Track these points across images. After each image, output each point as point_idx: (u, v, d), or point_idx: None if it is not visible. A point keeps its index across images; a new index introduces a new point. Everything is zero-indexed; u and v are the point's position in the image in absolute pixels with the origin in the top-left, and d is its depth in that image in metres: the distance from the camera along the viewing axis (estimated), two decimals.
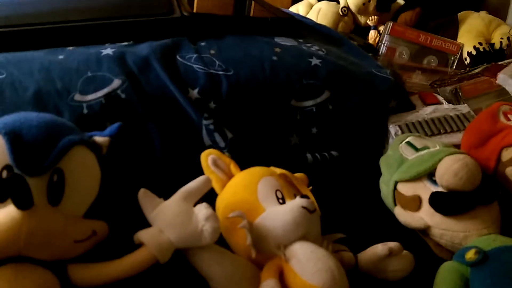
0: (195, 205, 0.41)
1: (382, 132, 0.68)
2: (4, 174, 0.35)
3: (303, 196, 0.45)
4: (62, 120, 0.44)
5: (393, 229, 0.53)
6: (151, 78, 0.59)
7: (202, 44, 0.66)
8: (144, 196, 0.41)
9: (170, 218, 0.39)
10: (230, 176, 0.51)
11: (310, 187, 0.53)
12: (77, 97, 0.56)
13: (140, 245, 0.39)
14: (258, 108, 0.63)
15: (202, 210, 0.39)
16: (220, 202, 0.48)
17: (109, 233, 0.40)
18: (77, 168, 0.39)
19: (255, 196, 0.46)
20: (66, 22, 0.64)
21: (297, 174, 0.54)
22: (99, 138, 0.44)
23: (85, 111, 0.55)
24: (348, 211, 0.57)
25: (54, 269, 0.36)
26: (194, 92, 0.60)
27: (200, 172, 0.51)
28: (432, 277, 0.45)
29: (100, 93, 0.56)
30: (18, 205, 0.33)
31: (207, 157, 0.51)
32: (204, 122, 0.59)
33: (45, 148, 0.37)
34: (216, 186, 0.50)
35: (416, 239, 0.52)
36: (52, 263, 0.36)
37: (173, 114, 0.59)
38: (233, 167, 0.52)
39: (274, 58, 0.65)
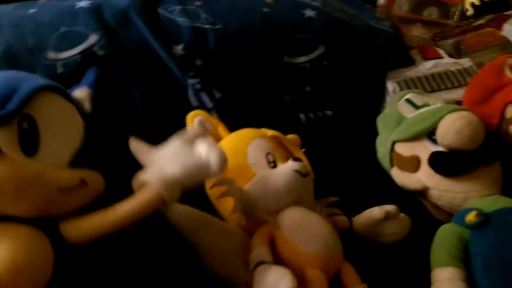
0: None
1: (379, 89, 0.64)
2: None
3: (296, 159, 0.43)
4: (29, 74, 0.39)
5: (389, 191, 0.52)
6: (131, 33, 0.54)
7: None
8: (137, 144, 0.37)
9: (170, 155, 0.34)
10: (218, 139, 0.48)
11: (303, 149, 0.50)
12: (51, 55, 0.51)
13: None
14: (248, 65, 0.59)
15: (202, 142, 0.34)
16: None
17: (105, 188, 0.35)
18: (50, 114, 0.35)
19: (245, 160, 0.43)
20: None
21: (290, 136, 0.51)
22: (79, 93, 0.40)
23: (59, 70, 0.51)
24: (343, 173, 0.55)
25: (44, 228, 0.31)
26: (178, 48, 0.55)
27: None
28: (429, 239, 0.44)
29: (75, 50, 0.52)
30: None
31: (193, 119, 0.48)
32: (190, 81, 0.55)
33: (8, 96, 0.33)
34: None
35: (413, 201, 0.50)
36: (41, 221, 0.31)
37: (156, 73, 0.55)
38: (221, 129, 0.49)
39: (265, 9, 0.60)
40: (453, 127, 0.43)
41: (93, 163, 0.35)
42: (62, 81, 0.49)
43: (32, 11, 0.55)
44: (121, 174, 0.36)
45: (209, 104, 0.56)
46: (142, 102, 0.54)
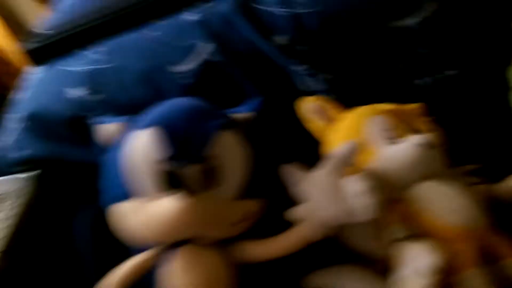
0: None
1: (507, 40, 0.56)
2: (167, 166, 0.38)
3: (417, 131, 0.41)
4: (204, 105, 0.45)
5: None
6: (237, 36, 0.57)
7: None
8: (287, 170, 0.41)
9: (320, 194, 0.38)
10: (331, 121, 0.48)
11: (428, 118, 0.47)
12: (175, 68, 0.57)
13: (288, 222, 0.39)
14: (353, 39, 0.57)
15: (353, 185, 0.37)
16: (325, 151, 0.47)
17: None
18: (226, 152, 0.40)
19: (362, 138, 0.43)
20: None
21: (411, 105, 0.49)
22: (240, 115, 0.46)
23: (184, 81, 0.56)
24: (477, 135, 0.50)
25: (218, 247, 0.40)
26: (281, 39, 0.56)
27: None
28: None
29: (193, 63, 0.56)
30: (183, 194, 0.37)
31: (304, 106, 0.49)
32: (299, 68, 0.56)
33: (197, 137, 0.39)
34: (317, 134, 0.48)
35: None
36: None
37: (264, 66, 0.57)
38: (333, 111, 0.49)
39: None
40: None
41: (256, 191, 0.41)
42: (188, 91, 0.56)
43: (155, 33, 0.61)
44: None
45: (322, 87, 0.56)
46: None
